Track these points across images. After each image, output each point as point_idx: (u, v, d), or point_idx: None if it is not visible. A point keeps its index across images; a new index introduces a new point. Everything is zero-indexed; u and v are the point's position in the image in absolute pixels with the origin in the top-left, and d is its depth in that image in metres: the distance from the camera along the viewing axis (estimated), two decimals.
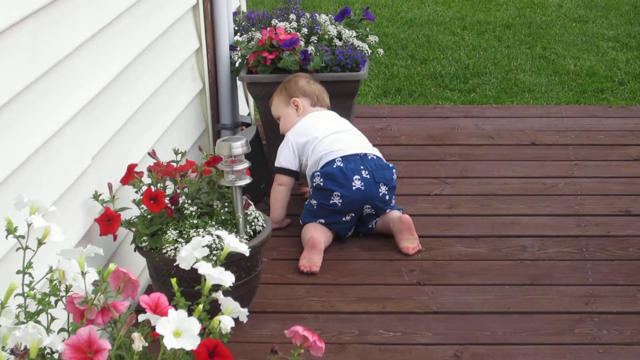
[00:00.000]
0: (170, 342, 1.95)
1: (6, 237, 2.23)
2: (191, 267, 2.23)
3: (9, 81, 2.51)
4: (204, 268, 2.16)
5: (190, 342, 1.96)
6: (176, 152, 3.34)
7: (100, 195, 3.04)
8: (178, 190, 3.22)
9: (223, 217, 3.19)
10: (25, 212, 2.25)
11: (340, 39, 4.37)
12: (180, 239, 3.08)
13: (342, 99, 4.22)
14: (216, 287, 2.17)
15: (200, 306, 2.12)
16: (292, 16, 4.47)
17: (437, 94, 6.10)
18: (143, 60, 3.54)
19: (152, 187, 3.16)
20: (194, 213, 3.14)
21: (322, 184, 3.70)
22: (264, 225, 3.29)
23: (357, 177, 3.69)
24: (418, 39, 7.18)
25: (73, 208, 2.95)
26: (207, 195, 3.25)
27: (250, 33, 4.41)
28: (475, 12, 7.85)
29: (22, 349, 2.00)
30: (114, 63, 3.27)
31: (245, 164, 3.21)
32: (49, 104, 2.76)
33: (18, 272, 2.20)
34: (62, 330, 2.18)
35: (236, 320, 2.14)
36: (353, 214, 3.72)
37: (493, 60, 6.69)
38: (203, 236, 3.00)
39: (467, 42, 7.09)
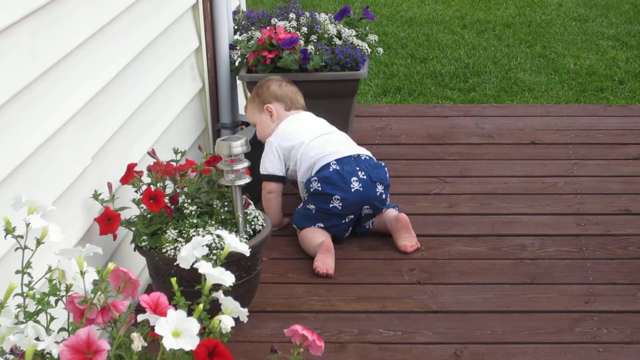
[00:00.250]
0: (169, 343, 1.95)
1: (5, 237, 2.23)
2: (191, 266, 2.23)
3: (9, 81, 2.51)
4: (204, 267, 2.16)
5: (190, 342, 1.96)
6: (176, 152, 3.34)
7: (100, 194, 3.04)
8: (178, 190, 3.22)
9: (223, 217, 3.19)
10: (25, 212, 2.25)
11: (340, 38, 4.36)
12: (180, 239, 3.08)
13: (341, 98, 4.21)
14: (216, 287, 2.17)
15: (201, 306, 2.12)
16: (292, 15, 4.47)
17: (437, 93, 6.10)
18: (143, 60, 3.53)
19: (151, 186, 3.16)
20: (193, 212, 3.14)
21: (320, 188, 3.67)
22: (264, 224, 3.29)
23: (354, 178, 3.68)
24: (418, 38, 7.18)
25: (73, 207, 2.95)
26: (206, 194, 3.25)
27: (249, 32, 4.41)
28: (475, 11, 7.85)
29: (21, 349, 2.00)
30: (114, 62, 3.27)
31: (245, 163, 3.21)
32: (49, 104, 2.76)
33: (17, 272, 2.20)
34: (62, 330, 2.18)
35: (236, 319, 2.14)
36: (352, 216, 3.71)
37: (493, 59, 6.69)
38: (203, 235, 3.00)
39: (467, 41, 7.09)
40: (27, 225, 2.20)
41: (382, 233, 3.77)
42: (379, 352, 3.08)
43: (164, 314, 2.01)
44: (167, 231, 3.11)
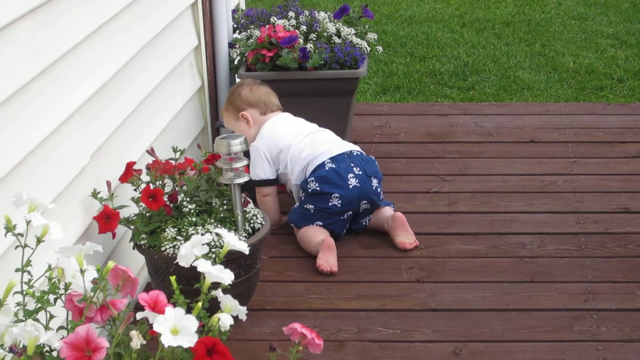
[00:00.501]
0: (167, 340, 1.95)
1: (5, 235, 2.23)
2: (190, 264, 2.23)
3: (7, 79, 2.51)
4: (204, 266, 2.16)
5: (188, 339, 1.96)
6: (175, 150, 3.34)
7: (98, 193, 3.03)
8: (177, 188, 3.22)
9: (222, 215, 3.19)
10: (24, 210, 2.25)
11: (339, 37, 4.37)
12: (179, 237, 3.08)
13: (341, 97, 4.21)
14: (215, 285, 2.17)
15: (200, 304, 2.12)
16: (291, 14, 4.47)
17: (436, 92, 6.10)
18: (141, 58, 3.53)
19: (150, 184, 3.16)
20: (192, 211, 3.14)
21: (318, 188, 3.66)
22: (263, 222, 3.29)
23: (351, 175, 3.68)
24: (417, 37, 7.18)
25: (72, 206, 2.95)
26: (205, 192, 3.25)
27: (249, 30, 4.41)
28: (475, 9, 7.85)
29: (20, 346, 2.00)
30: (112, 61, 3.27)
31: (244, 162, 3.21)
32: (47, 102, 2.76)
33: (17, 270, 2.20)
34: (61, 328, 2.18)
35: (235, 318, 2.14)
36: (350, 212, 3.71)
37: (492, 57, 6.69)
38: (202, 234, 3.00)
39: (466, 40, 7.09)
40: (28, 223, 2.20)
41: (378, 231, 3.77)
42: (378, 350, 3.08)
43: (162, 312, 2.01)
44: (166, 229, 3.11)
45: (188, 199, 3.17)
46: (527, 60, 6.62)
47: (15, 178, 2.55)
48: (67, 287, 2.17)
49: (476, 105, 5.35)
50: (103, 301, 2.13)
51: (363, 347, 3.10)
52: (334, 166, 3.68)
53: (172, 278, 2.17)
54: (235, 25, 4.49)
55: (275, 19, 4.41)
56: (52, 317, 2.19)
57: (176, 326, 1.97)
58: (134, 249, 3.18)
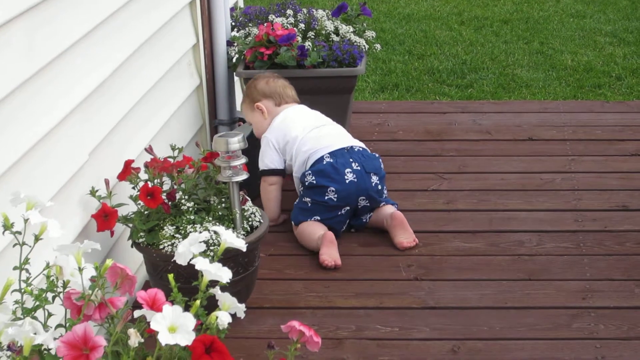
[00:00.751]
0: (165, 338, 1.95)
1: (3, 233, 2.23)
2: (188, 262, 2.23)
3: (5, 78, 2.51)
4: (202, 264, 2.16)
5: (186, 337, 1.96)
6: (173, 148, 3.34)
7: (97, 191, 3.03)
8: (175, 186, 3.22)
9: (220, 213, 3.19)
10: (22, 208, 2.25)
11: (338, 35, 4.36)
12: (177, 235, 3.08)
13: (339, 95, 4.21)
14: (213, 283, 2.17)
15: (198, 302, 2.12)
16: (289, 11, 4.47)
17: (435, 90, 6.10)
18: (140, 56, 3.53)
19: (149, 183, 3.16)
20: (191, 209, 3.14)
21: (315, 181, 3.69)
22: (261, 220, 3.29)
23: (348, 170, 3.69)
24: (415, 35, 7.17)
25: (70, 204, 2.95)
26: (204, 191, 3.25)
27: (247, 28, 4.41)
28: (473, 7, 7.85)
29: (18, 345, 2.00)
30: (111, 59, 3.27)
31: (243, 160, 3.21)
32: (45, 101, 2.76)
33: (15, 268, 2.20)
34: (59, 326, 2.18)
35: (233, 315, 2.15)
36: (348, 207, 3.72)
37: (490, 55, 6.69)
38: (200, 232, 3.00)
39: (465, 38, 7.09)
40: (26, 221, 2.20)
41: (378, 228, 3.77)
42: (376, 348, 3.08)
43: (160, 310, 2.00)
44: (165, 227, 3.11)
45: (186, 197, 3.17)
46: (525, 58, 6.62)
47: (13, 176, 2.55)
48: (65, 285, 2.17)
49: (474, 103, 5.35)
50: (101, 299, 2.13)
51: (361, 345, 3.10)
52: (332, 161, 3.70)
53: (170, 276, 2.17)
54: (233, 23, 4.49)
55: (273, 16, 4.41)
56: (50, 315, 2.19)
57: (174, 324, 1.97)
58: (132, 247, 3.18)
